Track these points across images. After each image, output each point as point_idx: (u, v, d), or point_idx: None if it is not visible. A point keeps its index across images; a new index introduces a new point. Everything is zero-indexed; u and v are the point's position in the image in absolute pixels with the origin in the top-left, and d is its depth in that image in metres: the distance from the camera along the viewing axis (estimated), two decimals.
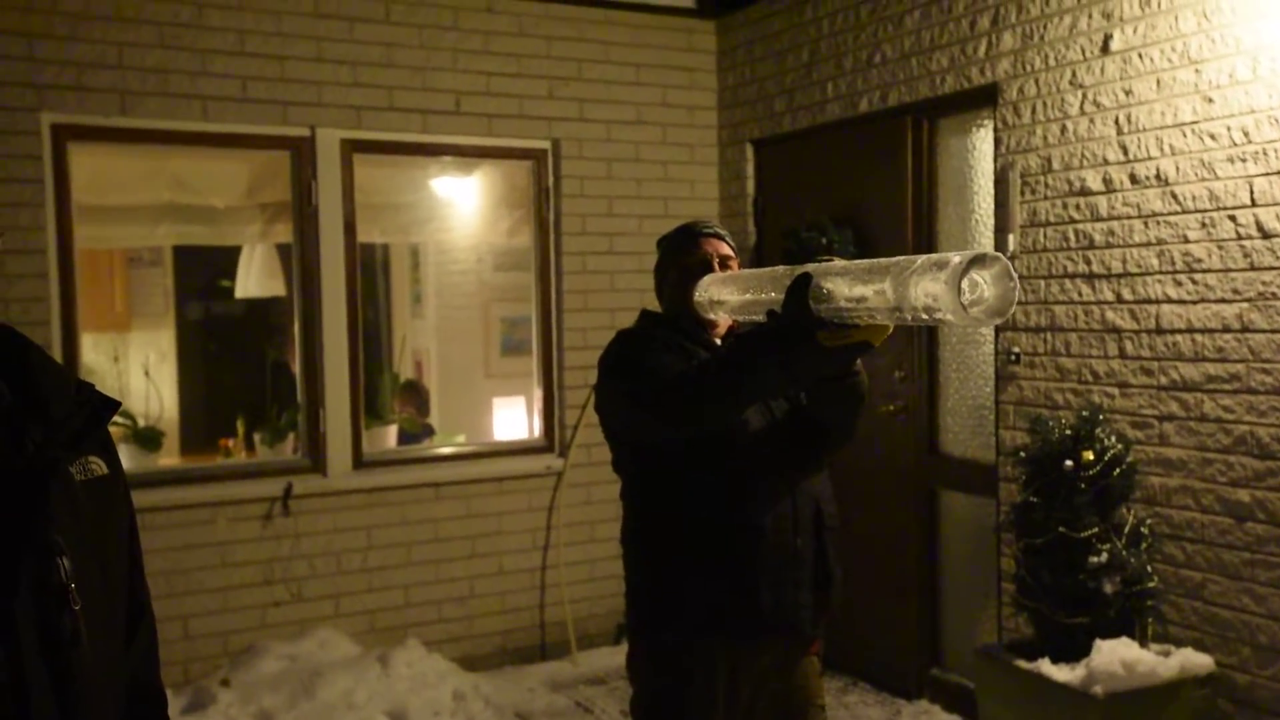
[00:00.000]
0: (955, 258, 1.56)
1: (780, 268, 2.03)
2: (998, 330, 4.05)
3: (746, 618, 2.29)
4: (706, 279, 2.34)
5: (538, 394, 5.22)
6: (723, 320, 2.39)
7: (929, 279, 1.58)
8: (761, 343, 1.91)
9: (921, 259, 1.62)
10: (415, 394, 6.13)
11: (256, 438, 5.02)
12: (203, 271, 6.18)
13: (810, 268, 1.86)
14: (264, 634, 4.50)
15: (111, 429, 4.77)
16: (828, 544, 2.37)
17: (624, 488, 2.45)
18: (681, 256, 2.43)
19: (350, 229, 4.73)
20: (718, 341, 2.42)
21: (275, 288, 5.59)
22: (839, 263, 1.85)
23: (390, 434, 5.28)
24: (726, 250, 2.44)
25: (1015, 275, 1.59)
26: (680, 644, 2.33)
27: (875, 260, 1.75)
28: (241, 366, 6.25)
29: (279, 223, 4.88)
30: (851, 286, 1.74)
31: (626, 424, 2.35)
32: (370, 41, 4.69)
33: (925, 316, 1.61)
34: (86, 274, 4.68)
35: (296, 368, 4.80)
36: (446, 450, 5.20)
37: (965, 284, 1.54)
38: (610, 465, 2.47)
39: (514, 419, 5.65)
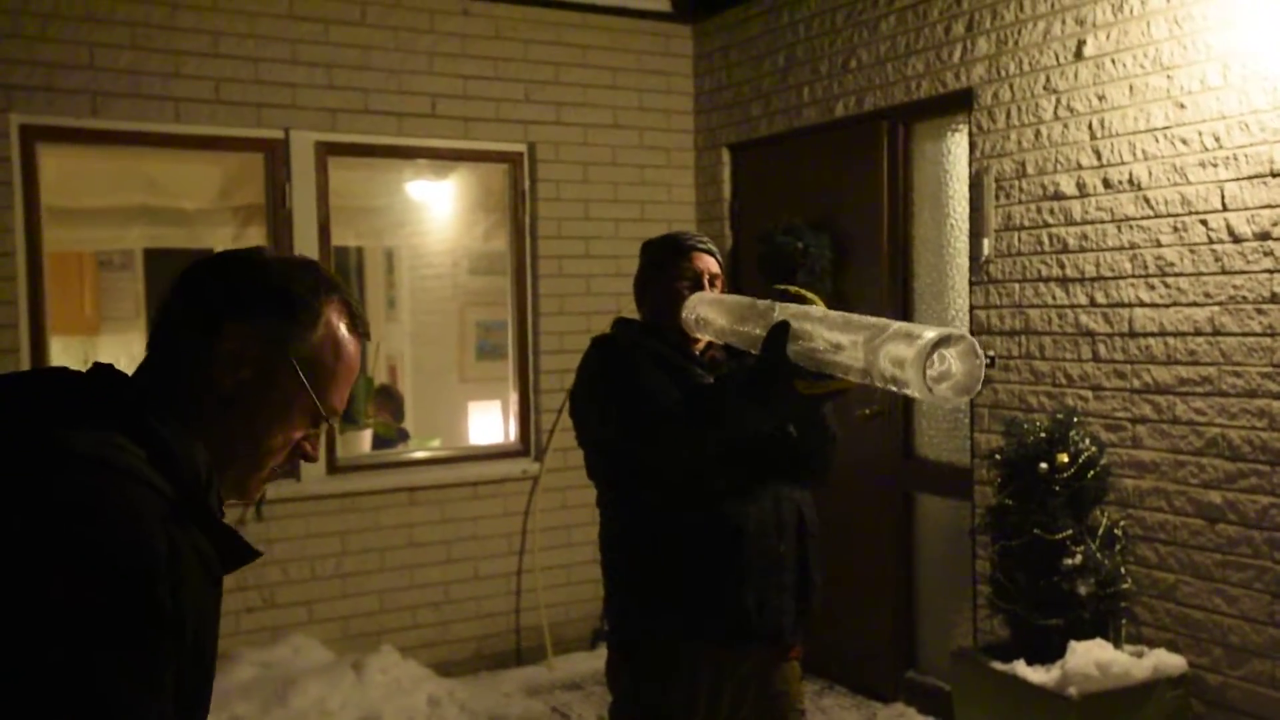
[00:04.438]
0: (928, 334, 1.60)
1: (764, 301, 2.10)
2: (972, 333, 4.07)
3: (730, 623, 2.29)
4: (695, 299, 2.33)
5: (513, 398, 5.20)
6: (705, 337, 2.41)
7: (902, 345, 1.63)
8: (744, 388, 1.99)
9: (894, 327, 1.68)
10: (390, 398, 6.10)
11: None
12: (175, 275, 6.11)
13: (792, 310, 1.95)
14: (236, 640, 4.46)
15: None
16: (809, 550, 2.38)
17: (601, 493, 2.44)
18: (669, 269, 2.41)
19: (325, 232, 4.70)
20: (697, 351, 2.41)
21: None
22: (819, 309, 1.95)
23: (364, 439, 5.25)
24: (715, 268, 2.44)
25: (982, 353, 1.64)
26: (663, 650, 2.32)
27: (852, 316, 1.83)
28: None
29: (252, 226, 4.83)
30: (829, 332, 1.83)
31: (609, 441, 2.32)
32: (345, 44, 4.67)
33: (894, 388, 1.67)
34: (56, 277, 4.63)
35: None
36: (421, 455, 5.17)
37: (935, 357, 1.60)
38: (585, 470, 2.46)
39: (489, 423, 5.63)
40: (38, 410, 1.08)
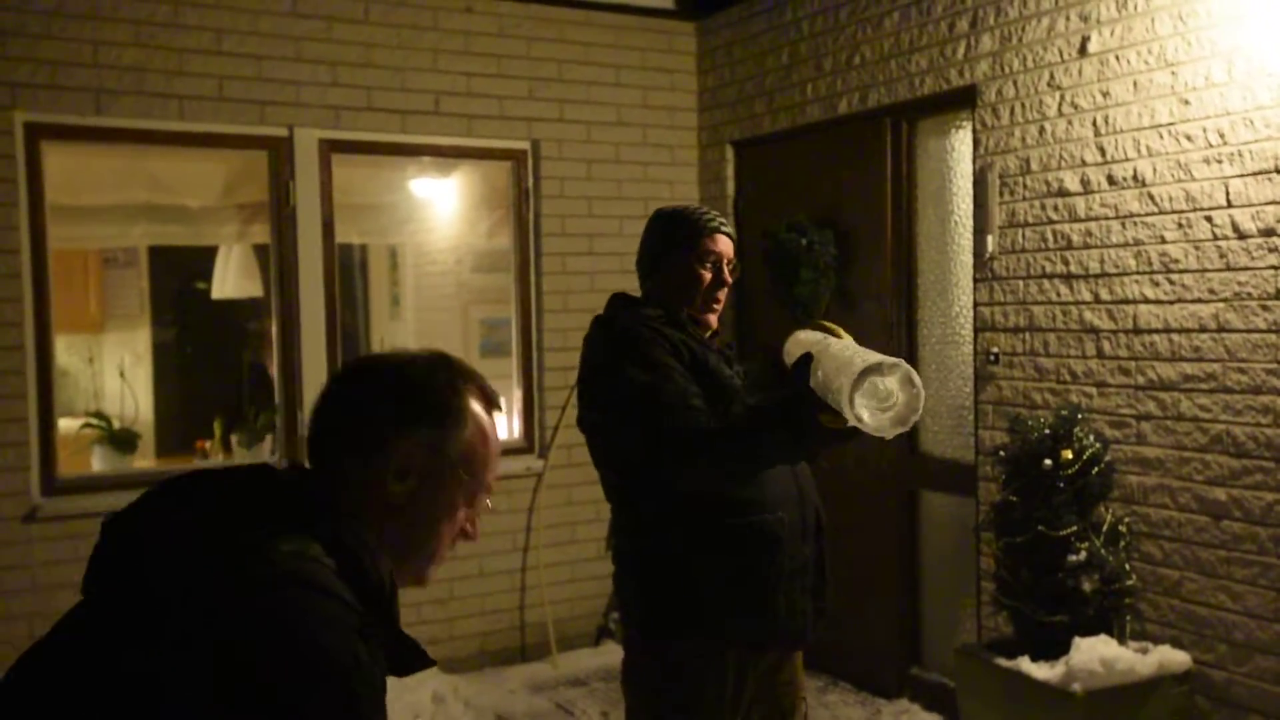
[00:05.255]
0: (866, 361, 1.69)
1: (819, 335, 2.13)
2: (976, 330, 4.07)
3: (761, 626, 2.29)
4: (798, 343, 2.25)
5: (517, 395, 5.20)
6: (714, 320, 2.43)
7: (843, 376, 1.72)
8: (774, 424, 2.01)
9: (853, 359, 1.77)
10: None
11: (233, 439, 4.98)
12: (179, 272, 6.13)
13: (815, 342, 2.01)
14: None
15: (86, 431, 4.70)
16: (825, 549, 2.39)
17: (615, 488, 2.38)
18: (687, 247, 2.37)
19: (328, 230, 4.70)
20: (708, 335, 2.41)
21: (252, 289, 5.55)
22: (846, 341, 2.00)
23: None
24: (732, 251, 2.42)
25: (919, 382, 1.71)
26: (693, 652, 2.29)
27: (850, 346, 1.92)
28: (218, 368, 6.20)
29: (256, 223, 4.84)
30: (829, 363, 1.89)
31: (628, 450, 2.27)
32: (349, 41, 4.67)
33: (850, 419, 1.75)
34: (60, 275, 4.63)
35: (274, 369, 4.77)
36: None
37: (868, 390, 1.68)
38: (591, 464, 2.40)
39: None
40: (248, 516, 1.19)
